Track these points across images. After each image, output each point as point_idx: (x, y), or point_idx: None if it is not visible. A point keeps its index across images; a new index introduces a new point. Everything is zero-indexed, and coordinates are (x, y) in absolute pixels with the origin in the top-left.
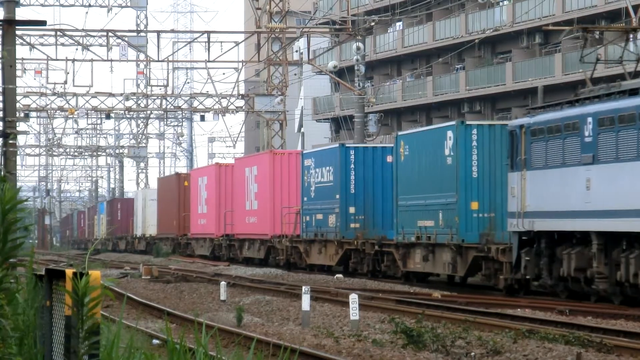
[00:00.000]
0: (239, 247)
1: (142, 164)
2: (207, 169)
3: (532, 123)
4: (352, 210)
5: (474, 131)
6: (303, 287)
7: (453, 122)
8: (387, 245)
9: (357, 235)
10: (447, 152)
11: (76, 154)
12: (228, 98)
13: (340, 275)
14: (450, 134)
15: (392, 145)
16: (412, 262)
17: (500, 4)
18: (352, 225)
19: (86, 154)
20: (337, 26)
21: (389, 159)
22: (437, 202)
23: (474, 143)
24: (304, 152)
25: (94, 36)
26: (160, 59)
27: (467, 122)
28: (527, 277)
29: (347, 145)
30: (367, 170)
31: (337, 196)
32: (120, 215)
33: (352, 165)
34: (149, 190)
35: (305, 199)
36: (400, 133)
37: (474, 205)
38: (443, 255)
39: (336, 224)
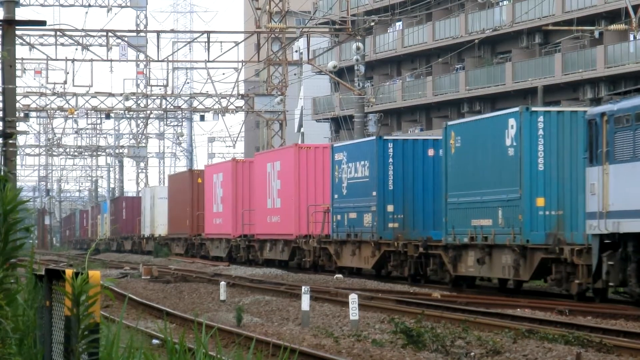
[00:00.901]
0: (259, 248)
1: (142, 164)
2: (222, 165)
3: (616, 110)
4: (390, 208)
5: (540, 118)
6: (303, 287)
7: (516, 109)
8: (434, 247)
9: (398, 236)
10: (508, 142)
11: (76, 153)
12: (228, 98)
13: (339, 276)
14: (512, 122)
15: (434, 137)
16: (464, 266)
17: (500, 4)
18: (391, 225)
19: (86, 153)
20: (336, 26)
21: (431, 152)
22: (496, 198)
23: (540, 132)
24: (335, 145)
25: (93, 36)
26: (160, 59)
27: (533, 109)
28: (611, 284)
29: (384, 137)
30: (407, 165)
31: (374, 193)
32: (126, 215)
33: (391, 160)
34: (159, 188)
35: (336, 196)
36: (450, 123)
37: (540, 202)
38: (502, 258)
39: (372, 223)
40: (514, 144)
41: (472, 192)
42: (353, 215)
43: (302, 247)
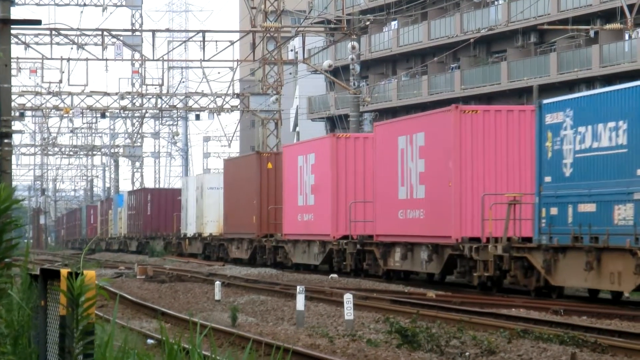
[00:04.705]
0: (382, 254)
1: (137, 163)
2: (315, 143)
3: None
4: None
5: None
6: (298, 287)
7: None
8: None
9: None
10: None
11: (71, 153)
12: (223, 97)
13: (335, 275)
14: None
15: None
16: None
17: (496, 3)
18: None
19: (81, 153)
20: (332, 25)
21: None
22: None
23: None
24: (548, 102)
25: (89, 35)
26: (155, 58)
27: None
28: None
29: None
30: None
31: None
32: (152, 209)
33: None
34: (209, 176)
35: (547, 179)
36: None
37: None
38: None
39: (635, 220)
40: None
41: None
42: (588, 207)
43: (469, 255)
